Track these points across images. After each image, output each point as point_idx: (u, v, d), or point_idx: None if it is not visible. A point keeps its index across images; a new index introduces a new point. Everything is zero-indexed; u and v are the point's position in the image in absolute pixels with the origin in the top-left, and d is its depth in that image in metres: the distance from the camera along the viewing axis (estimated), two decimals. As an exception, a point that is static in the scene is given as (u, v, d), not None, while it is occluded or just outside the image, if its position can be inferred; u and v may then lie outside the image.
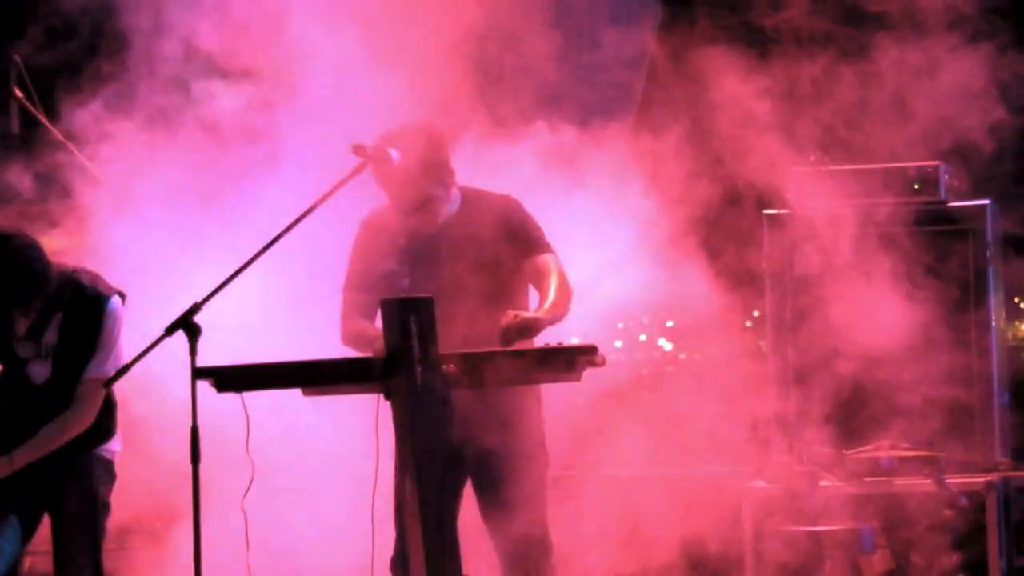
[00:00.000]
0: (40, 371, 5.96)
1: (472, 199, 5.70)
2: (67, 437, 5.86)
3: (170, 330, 4.87)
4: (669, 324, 8.60)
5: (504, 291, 5.55)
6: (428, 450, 4.85)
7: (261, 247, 5.06)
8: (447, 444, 4.95)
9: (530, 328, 5.16)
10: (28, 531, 6.10)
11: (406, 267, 5.58)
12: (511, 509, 5.47)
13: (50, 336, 5.95)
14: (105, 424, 6.12)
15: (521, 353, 5.06)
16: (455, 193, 5.64)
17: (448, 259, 5.55)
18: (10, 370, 5.99)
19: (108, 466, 6.21)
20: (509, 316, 5.13)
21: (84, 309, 5.90)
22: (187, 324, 4.88)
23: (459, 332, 5.16)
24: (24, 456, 5.83)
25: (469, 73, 7.20)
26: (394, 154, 5.25)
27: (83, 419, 5.91)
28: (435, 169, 5.49)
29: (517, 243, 5.63)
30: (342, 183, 5.12)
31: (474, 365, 4.90)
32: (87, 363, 5.90)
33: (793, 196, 7.93)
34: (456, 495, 5.48)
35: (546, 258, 5.60)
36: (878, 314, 7.52)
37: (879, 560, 7.57)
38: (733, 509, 7.51)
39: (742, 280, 7.95)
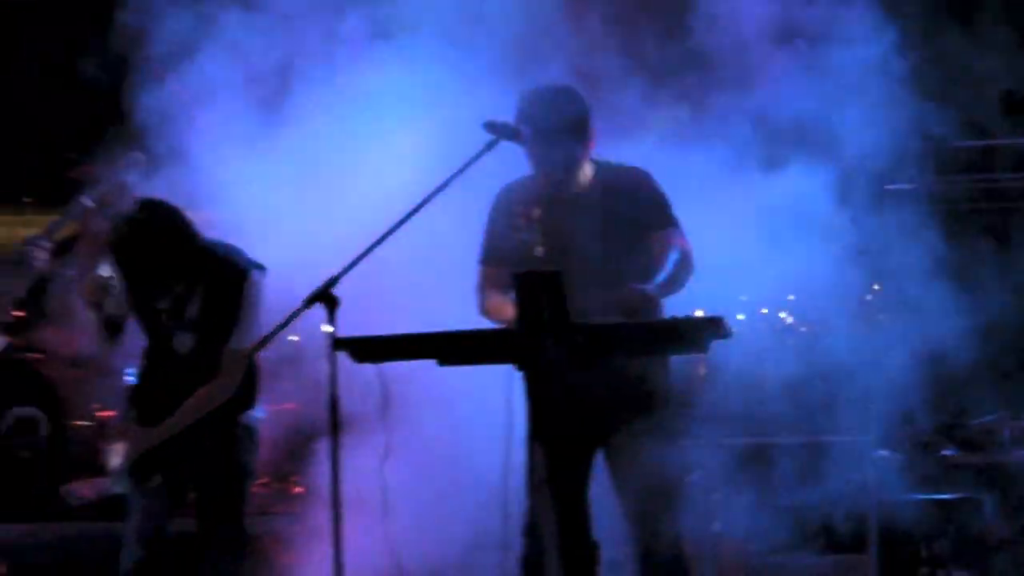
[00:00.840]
0: (184, 341, 6.18)
1: (605, 170, 5.78)
2: (212, 406, 6.11)
3: (309, 302, 5.01)
4: (790, 297, 8.71)
5: (633, 262, 5.62)
6: (558, 420, 4.93)
7: (397, 221, 5.18)
8: (577, 414, 5.07)
9: (645, 303, 5.29)
10: (176, 499, 6.34)
11: (540, 236, 5.67)
12: (641, 474, 5.58)
13: (193, 307, 6.17)
14: (249, 393, 6.33)
15: (650, 325, 5.20)
16: (578, 154, 5.73)
17: (582, 229, 5.64)
18: (156, 340, 6.25)
19: (252, 434, 6.46)
20: (627, 290, 5.28)
21: (226, 281, 6.10)
22: (326, 296, 5.01)
23: (590, 301, 5.22)
24: (172, 425, 6.06)
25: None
26: (525, 130, 5.36)
27: (227, 388, 6.12)
28: (580, 129, 5.60)
29: (647, 216, 5.72)
30: (474, 159, 5.25)
31: (604, 337, 5.00)
32: (229, 333, 6.06)
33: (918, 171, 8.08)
34: (587, 464, 5.64)
35: (670, 232, 5.69)
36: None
37: (997, 530, 7.72)
38: (858, 477, 7.67)
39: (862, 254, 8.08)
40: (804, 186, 7.47)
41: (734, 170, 7.39)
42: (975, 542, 7.70)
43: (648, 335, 5.17)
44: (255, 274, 6.11)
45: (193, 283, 6.08)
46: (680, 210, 5.79)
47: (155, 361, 6.27)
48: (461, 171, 5.23)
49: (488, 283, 5.83)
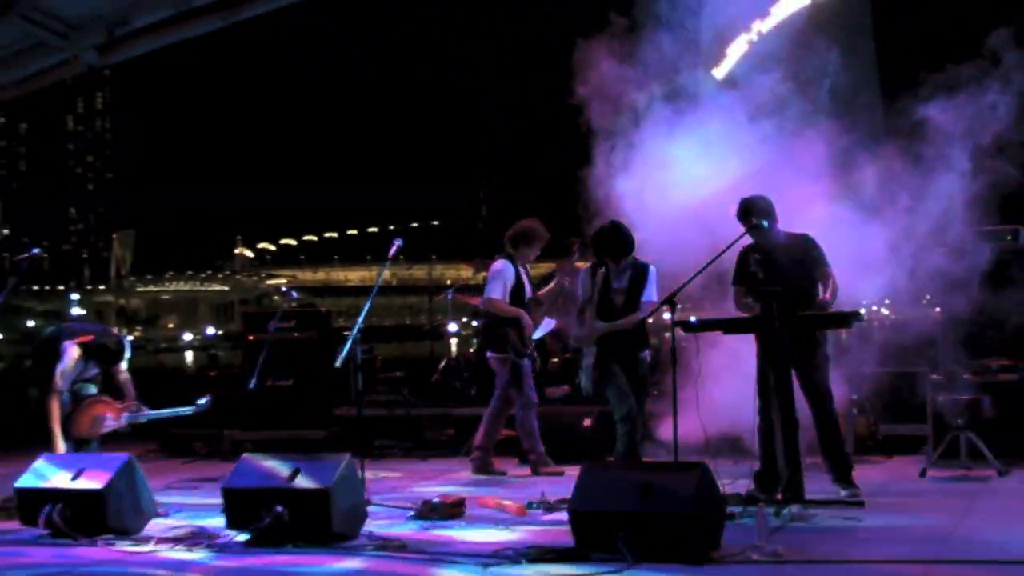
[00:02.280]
0: (620, 300, 11.00)
1: (788, 235, 10.34)
2: (631, 324, 10.87)
3: (663, 303, 9.90)
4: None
5: (807, 285, 10.15)
6: (780, 361, 9.69)
7: (716, 255, 10.15)
8: (787, 357, 9.81)
9: (826, 308, 9.98)
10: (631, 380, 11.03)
11: (761, 270, 10.28)
12: (815, 383, 10.24)
13: (622, 281, 11.01)
14: (645, 334, 11.16)
15: (829, 316, 9.99)
16: (777, 230, 10.30)
17: (780, 267, 10.16)
18: (604, 300, 10.98)
19: (644, 363, 11.16)
20: (821, 301, 9.96)
21: (641, 269, 11.04)
22: (671, 301, 9.54)
23: (789, 303, 9.72)
24: (613, 326, 10.90)
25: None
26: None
27: (636, 319, 10.91)
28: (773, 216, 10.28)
29: (811, 259, 10.27)
30: (737, 240, 10.22)
31: (800, 321, 9.82)
32: (641, 294, 10.97)
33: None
34: (791, 381, 10.07)
35: (825, 270, 10.24)
36: None
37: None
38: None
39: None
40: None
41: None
42: None
43: (825, 320, 9.98)
44: (652, 267, 11.10)
45: (626, 268, 10.97)
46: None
47: (603, 310, 10.94)
48: (729, 247, 10.19)
49: (739, 294, 10.53)
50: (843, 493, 9.93)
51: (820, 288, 10.14)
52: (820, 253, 10.27)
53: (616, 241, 11.03)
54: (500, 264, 12.42)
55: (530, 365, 12.36)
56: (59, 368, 11.18)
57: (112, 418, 11.39)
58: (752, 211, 10.16)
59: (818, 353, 10.19)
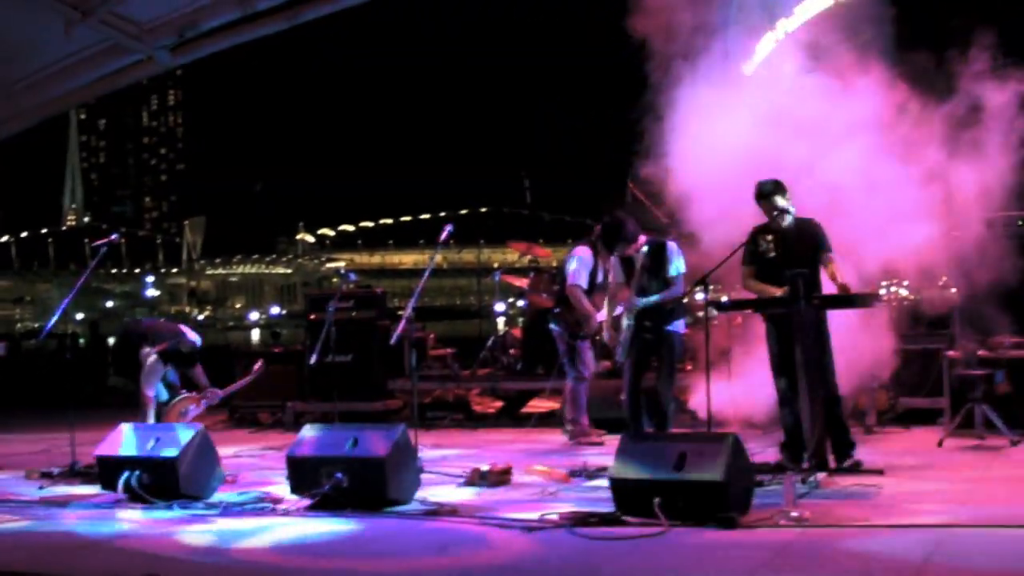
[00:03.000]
0: (645, 280, 11.03)
1: (798, 219, 10.06)
2: (665, 300, 10.85)
3: (696, 284, 9.99)
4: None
5: (815, 265, 9.86)
6: (805, 335, 9.56)
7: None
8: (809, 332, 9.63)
9: (848, 290, 9.73)
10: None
11: (773, 249, 10.08)
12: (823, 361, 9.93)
13: (645, 262, 11.07)
14: (680, 309, 11.09)
15: (853, 296, 9.78)
16: (789, 215, 10.06)
17: (791, 249, 9.96)
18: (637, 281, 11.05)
19: (681, 339, 11.24)
20: (839, 283, 9.69)
21: (658, 248, 11.06)
22: (704, 281, 9.80)
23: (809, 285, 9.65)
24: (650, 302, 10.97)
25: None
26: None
27: (676, 294, 10.92)
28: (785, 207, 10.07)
29: (820, 243, 10.00)
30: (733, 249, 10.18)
31: (826, 300, 9.69)
32: (665, 271, 10.95)
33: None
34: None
35: (831, 255, 9.94)
36: None
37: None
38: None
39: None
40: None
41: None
42: None
43: (847, 300, 9.81)
44: (671, 242, 11.17)
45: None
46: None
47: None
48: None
49: (748, 275, 10.22)
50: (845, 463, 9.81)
51: (824, 272, 9.96)
52: (826, 238, 10.08)
53: (614, 234, 11.27)
54: (584, 252, 12.50)
55: (586, 344, 12.46)
56: (143, 378, 11.70)
57: (194, 408, 11.87)
58: (779, 192, 10.05)
59: (825, 332, 9.98)
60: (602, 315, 12.07)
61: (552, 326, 12.78)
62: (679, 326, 11.28)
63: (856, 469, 9.60)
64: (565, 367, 12.59)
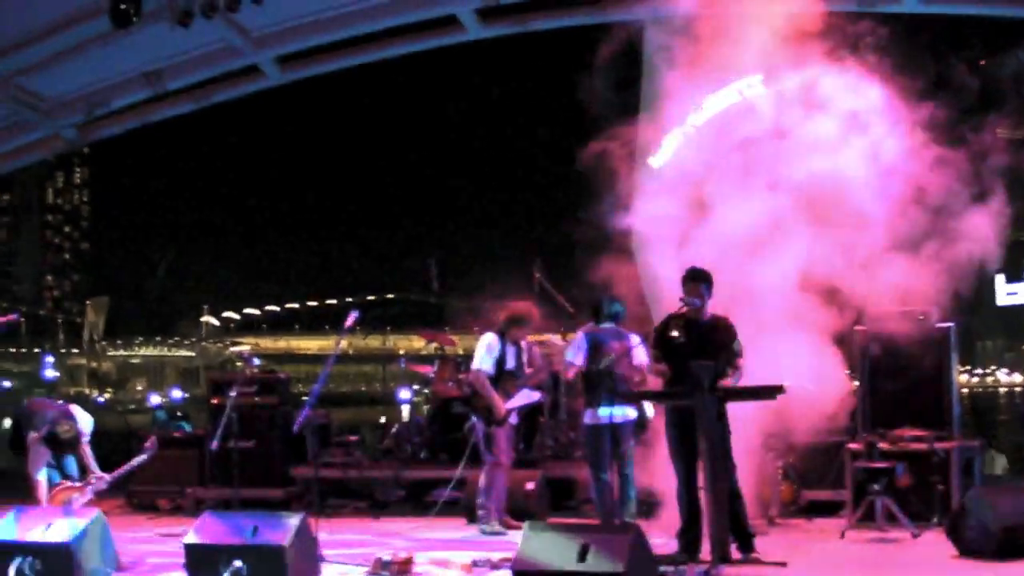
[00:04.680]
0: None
1: (714, 315, 10.28)
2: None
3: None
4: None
5: (722, 359, 9.97)
6: (708, 423, 9.58)
7: None
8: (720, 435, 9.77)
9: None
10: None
11: (684, 338, 10.18)
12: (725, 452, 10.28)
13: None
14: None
15: (749, 388, 10.02)
16: (705, 310, 10.24)
17: (700, 339, 10.09)
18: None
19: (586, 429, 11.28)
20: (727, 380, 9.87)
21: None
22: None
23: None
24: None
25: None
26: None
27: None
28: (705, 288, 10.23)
29: (731, 347, 10.11)
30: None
31: (727, 394, 9.81)
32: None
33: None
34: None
35: (739, 361, 10.09)
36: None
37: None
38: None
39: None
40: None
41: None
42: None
43: (750, 392, 10.02)
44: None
45: None
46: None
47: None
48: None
49: (656, 358, 10.39)
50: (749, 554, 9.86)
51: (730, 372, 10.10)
52: (738, 342, 10.21)
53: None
54: (491, 338, 12.48)
55: (503, 430, 12.30)
56: (28, 462, 11.57)
57: (78, 497, 11.45)
58: (705, 282, 10.20)
59: (726, 424, 10.04)
60: (513, 402, 12.11)
61: (468, 413, 12.79)
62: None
63: (759, 561, 9.63)
64: (481, 453, 12.48)
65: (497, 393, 12.23)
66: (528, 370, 12.57)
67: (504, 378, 12.37)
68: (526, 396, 12.54)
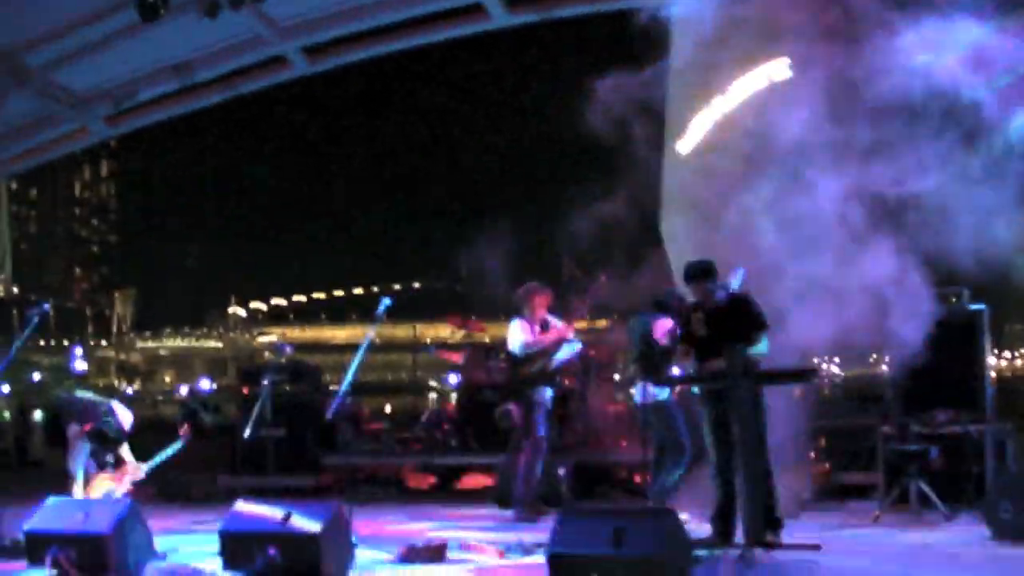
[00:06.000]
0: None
1: (732, 296, 10.07)
2: None
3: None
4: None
5: (749, 341, 9.79)
6: (746, 420, 9.43)
7: None
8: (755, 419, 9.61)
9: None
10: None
11: (703, 327, 10.11)
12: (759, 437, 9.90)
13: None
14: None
15: (784, 371, 10.05)
16: (721, 292, 10.12)
17: (724, 325, 9.95)
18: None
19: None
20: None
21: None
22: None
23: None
24: None
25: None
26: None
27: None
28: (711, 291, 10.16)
29: (752, 321, 9.98)
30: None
31: (761, 376, 9.71)
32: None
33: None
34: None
35: (761, 333, 9.97)
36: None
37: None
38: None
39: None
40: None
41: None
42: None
43: (784, 375, 10.05)
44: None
45: None
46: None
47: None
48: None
49: (684, 353, 10.26)
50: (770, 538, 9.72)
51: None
52: (760, 316, 10.07)
53: None
54: (517, 321, 12.48)
55: (541, 415, 12.27)
56: (68, 456, 11.63)
57: (116, 487, 11.63)
58: (710, 274, 10.14)
59: (762, 407, 9.92)
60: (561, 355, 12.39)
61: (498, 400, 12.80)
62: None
63: (792, 545, 9.59)
64: (521, 440, 12.42)
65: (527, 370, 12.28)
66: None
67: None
68: (568, 351, 12.58)
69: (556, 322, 12.46)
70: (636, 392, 11.44)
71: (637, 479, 12.88)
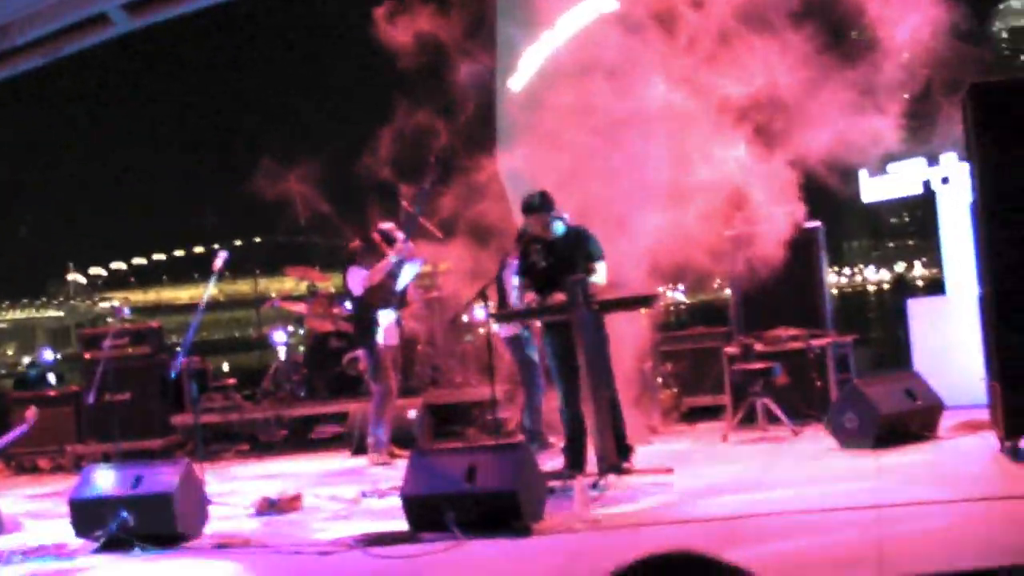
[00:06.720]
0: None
1: (569, 227, 10.15)
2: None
3: (479, 295, 9.96)
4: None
5: (587, 271, 9.75)
6: (591, 349, 9.47)
7: None
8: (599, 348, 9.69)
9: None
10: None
11: (543, 258, 10.10)
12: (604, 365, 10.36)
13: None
14: None
15: (625, 298, 10.04)
16: (558, 224, 10.13)
17: (560, 256, 9.97)
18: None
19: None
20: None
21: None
22: (483, 295, 9.86)
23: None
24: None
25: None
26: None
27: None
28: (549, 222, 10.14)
29: (585, 250, 9.97)
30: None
31: (603, 305, 9.66)
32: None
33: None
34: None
35: (597, 264, 9.97)
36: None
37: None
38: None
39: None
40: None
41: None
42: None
43: (625, 303, 10.02)
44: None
45: None
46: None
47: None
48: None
49: (524, 285, 10.19)
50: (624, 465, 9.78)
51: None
52: (597, 247, 10.09)
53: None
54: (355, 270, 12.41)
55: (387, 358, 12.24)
56: None
57: None
58: (546, 206, 10.11)
59: (604, 336, 9.95)
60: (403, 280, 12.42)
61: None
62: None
63: (645, 470, 9.69)
64: (369, 383, 12.42)
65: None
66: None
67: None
68: (411, 271, 12.68)
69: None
70: (496, 327, 11.46)
71: (488, 416, 12.90)
